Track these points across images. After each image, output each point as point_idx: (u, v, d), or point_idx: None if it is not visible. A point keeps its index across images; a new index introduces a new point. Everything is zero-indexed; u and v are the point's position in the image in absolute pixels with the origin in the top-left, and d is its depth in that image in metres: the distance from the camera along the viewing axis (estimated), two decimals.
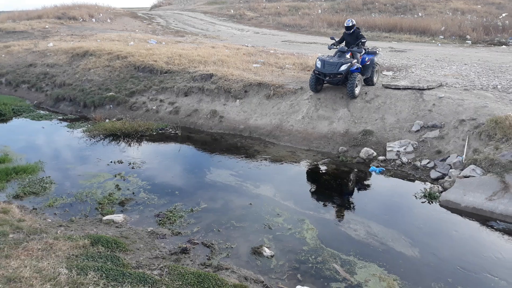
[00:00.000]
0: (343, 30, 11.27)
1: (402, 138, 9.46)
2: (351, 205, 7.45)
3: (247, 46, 19.70)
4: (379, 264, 5.62)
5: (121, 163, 9.14)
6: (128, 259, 5.05)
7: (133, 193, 7.64)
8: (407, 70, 13.59)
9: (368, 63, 10.82)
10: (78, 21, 31.57)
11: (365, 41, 10.74)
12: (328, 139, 10.23)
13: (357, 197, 7.89)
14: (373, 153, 9.30)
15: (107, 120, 12.31)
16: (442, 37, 23.91)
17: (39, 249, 4.78)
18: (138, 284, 4.35)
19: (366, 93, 10.86)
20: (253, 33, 28.11)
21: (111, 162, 9.17)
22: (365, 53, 10.97)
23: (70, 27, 28.91)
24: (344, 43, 11.14)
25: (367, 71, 10.89)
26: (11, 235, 5.20)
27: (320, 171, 8.96)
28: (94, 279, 4.22)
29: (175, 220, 6.62)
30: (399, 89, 10.77)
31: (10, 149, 9.94)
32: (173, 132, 11.52)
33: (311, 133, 10.53)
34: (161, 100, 13.22)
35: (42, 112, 14.07)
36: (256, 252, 5.82)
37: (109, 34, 24.30)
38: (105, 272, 4.43)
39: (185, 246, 5.78)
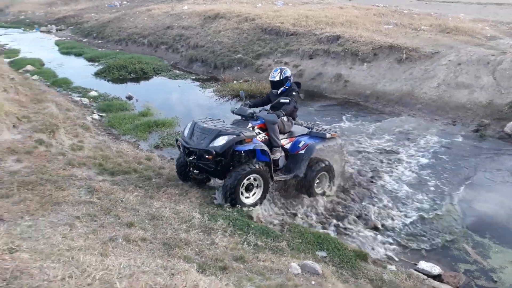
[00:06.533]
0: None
1: None
2: (491, 185, 6.68)
3: (378, 6, 18.50)
4: None
5: None
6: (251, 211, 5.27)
7: None
8: None
9: (303, 152, 5.84)
10: None
11: (291, 106, 5.69)
12: (467, 109, 9.22)
13: (503, 176, 7.00)
14: None
15: (234, 82, 12.83)
16: None
17: (177, 193, 5.27)
18: (261, 236, 4.54)
19: None
20: None
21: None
22: (296, 135, 6.06)
23: None
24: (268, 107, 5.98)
25: (298, 166, 5.80)
26: (153, 179, 5.83)
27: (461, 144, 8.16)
28: (223, 226, 4.51)
29: None
30: None
31: (152, 104, 11.02)
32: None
33: (446, 102, 9.60)
34: (285, 63, 13.26)
35: (177, 71, 15.23)
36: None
37: None
38: (232, 221, 4.70)
39: None
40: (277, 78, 5.87)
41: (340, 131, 8.70)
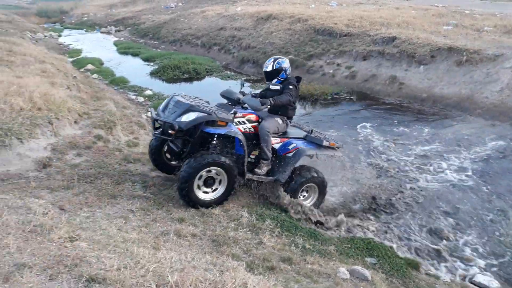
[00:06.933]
0: None
1: None
2: None
3: (437, 6, 17.77)
4: None
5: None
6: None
7: None
8: None
9: (291, 155, 5.16)
10: None
11: (285, 99, 4.90)
12: None
13: None
14: None
15: None
16: None
17: None
18: (309, 239, 4.49)
19: None
20: None
21: None
22: (289, 137, 5.26)
23: None
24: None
25: (283, 169, 5.04)
26: None
27: None
28: (270, 226, 4.51)
29: None
30: None
31: None
32: (348, 97, 11.33)
33: (510, 108, 9.02)
34: (338, 64, 13.06)
35: (228, 72, 15.45)
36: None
37: None
38: (280, 222, 4.69)
39: None
40: (270, 68, 5.15)
41: (392, 135, 8.45)
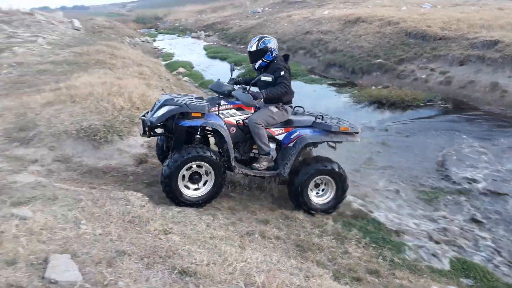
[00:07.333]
0: None
1: None
2: None
3: None
4: None
5: (386, 130, 9.03)
6: (388, 224, 4.99)
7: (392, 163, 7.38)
8: None
9: (292, 145, 4.67)
10: None
11: (280, 90, 4.50)
12: None
13: None
14: None
15: (373, 87, 12.37)
16: None
17: None
18: (397, 254, 4.25)
19: None
20: None
21: (374, 128, 9.21)
22: (295, 126, 4.81)
23: None
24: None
25: (284, 162, 4.63)
26: None
27: None
28: (357, 236, 4.36)
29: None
30: None
31: None
32: (442, 104, 10.61)
33: None
34: (431, 69, 12.30)
35: (313, 76, 15.31)
36: None
37: (381, 0, 24.07)
38: (367, 232, 4.52)
39: None
40: (254, 48, 4.67)
41: (494, 146, 7.71)
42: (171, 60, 19.75)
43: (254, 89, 4.67)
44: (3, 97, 7.34)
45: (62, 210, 3.15)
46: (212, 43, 27.21)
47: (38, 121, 5.80)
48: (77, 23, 22.66)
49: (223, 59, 20.23)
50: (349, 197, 5.25)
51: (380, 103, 11.02)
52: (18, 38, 14.76)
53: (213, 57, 21.06)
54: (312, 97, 12.74)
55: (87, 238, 2.73)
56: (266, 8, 35.50)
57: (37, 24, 17.83)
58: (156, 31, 40.19)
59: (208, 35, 31.72)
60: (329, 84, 13.95)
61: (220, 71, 16.81)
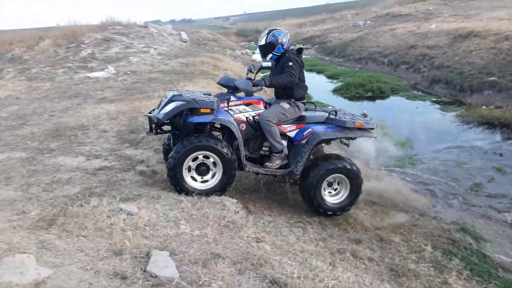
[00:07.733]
0: None
1: None
2: None
3: None
4: None
5: (501, 155, 8.18)
6: (496, 257, 4.50)
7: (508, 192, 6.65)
8: None
9: (305, 142, 4.42)
10: (463, 0, 30.31)
11: (286, 79, 4.23)
12: None
13: None
14: None
15: (483, 107, 11.36)
16: None
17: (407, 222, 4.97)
18: None
19: None
20: None
21: (486, 152, 8.40)
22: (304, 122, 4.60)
23: (454, 8, 28.15)
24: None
25: (296, 160, 4.38)
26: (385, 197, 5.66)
27: None
28: (458, 266, 4.00)
29: None
30: None
31: (385, 123, 10.81)
32: None
33: None
34: None
35: (416, 92, 14.52)
36: None
37: (497, 13, 22.08)
38: (470, 264, 4.12)
39: None
40: (263, 42, 4.46)
41: None
42: (267, 73, 20.18)
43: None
44: (118, 102, 8.14)
45: (164, 209, 3.37)
46: (309, 56, 27.30)
47: (147, 125, 6.30)
48: (184, 36, 24.30)
49: (319, 72, 20.19)
50: (451, 224, 4.87)
51: (491, 124, 10.05)
52: (134, 48, 16.30)
53: (310, 70, 21.06)
54: (414, 113, 12.12)
55: (185, 237, 2.89)
56: (368, 21, 34.66)
57: (150, 36, 19.50)
58: (256, 44, 41.54)
59: (306, 48, 31.87)
60: (433, 101, 13.12)
61: (316, 84, 16.81)
